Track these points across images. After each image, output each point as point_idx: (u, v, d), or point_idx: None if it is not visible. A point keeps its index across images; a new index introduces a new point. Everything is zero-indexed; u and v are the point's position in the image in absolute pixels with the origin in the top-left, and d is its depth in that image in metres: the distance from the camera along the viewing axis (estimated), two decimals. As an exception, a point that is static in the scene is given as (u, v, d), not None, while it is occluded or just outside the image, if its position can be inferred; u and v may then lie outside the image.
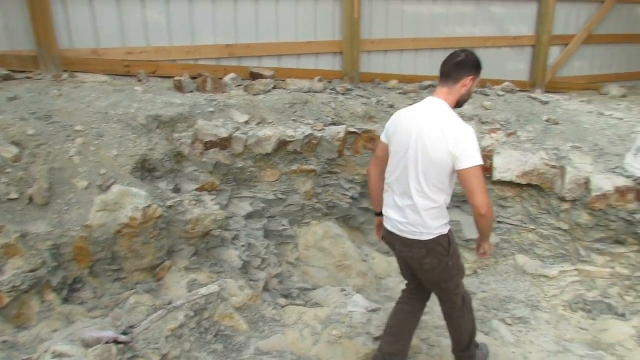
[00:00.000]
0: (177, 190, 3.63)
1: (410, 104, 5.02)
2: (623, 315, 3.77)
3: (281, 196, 4.28)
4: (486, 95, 5.56)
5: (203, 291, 3.02)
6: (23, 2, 4.14)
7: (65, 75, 4.30)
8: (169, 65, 4.85)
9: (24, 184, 2.95)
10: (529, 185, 4.36)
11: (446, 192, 2.56)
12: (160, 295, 3.08)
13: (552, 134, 4.74)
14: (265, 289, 3.59)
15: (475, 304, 3.25)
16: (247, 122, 4.14)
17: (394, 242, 2.72)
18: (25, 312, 2.71)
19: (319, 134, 4.26)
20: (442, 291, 2.82)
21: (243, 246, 3.67)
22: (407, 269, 2.91)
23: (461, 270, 2.81)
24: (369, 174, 2.93)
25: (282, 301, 3.49)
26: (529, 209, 4.44)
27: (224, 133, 3.93)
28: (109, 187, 3.06)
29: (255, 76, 4.96)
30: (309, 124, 4.33)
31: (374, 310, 3.42)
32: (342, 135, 4.33)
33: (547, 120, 4.97)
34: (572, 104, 5.58)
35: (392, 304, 3.81)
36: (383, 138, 2.78)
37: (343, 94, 4.96)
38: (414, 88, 5.53)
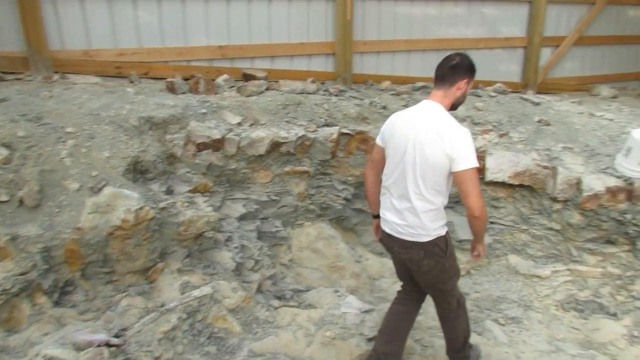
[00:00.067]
0: (169, 191, 3.62)
1: (403, 105, 5.07)
2: (614, 315, 3.80)
3: (274, 197, 4.28)
4: (478, 96, 5.59)
5: (196, 293, 3.00)
6: (13, 2, 4.11)
7: (56, 77, 4.27)
8: (161, 66, 4.83)
9: (14, 186, 2.93)
10: (521, 186, 4.38)
11: (443, 194, 2.58)
12: (152, 297, 3.06)
13: (543, 134, 4.78)
14: (259, 290, 3.58)
15: (468, 304, 3.26)
16: (239, 124, 4.14)
17: (392, 244, 2.72)
18: (15, 315, 2.68)
19: (312, 135, 4.25)
20: (438, 292, 2.83)
21: (236, 248, 3.65)
22: (404, 271, 2.92)
23: (457, 272, 2.83)
24: (365, 177, 2.94)
25: (276, 303, 3.48)
26: (521, 209, 4.47)
27: (216, 134, 3.92)
28: (100, 189, 3.04)
29: (247, 77, 4.95)
30: (301, 125, 4.33)
31: (367, 311, 3.42)
32: (335, 136, 4.33)
33: (539, 121, 5.00)
34: (563, 105, 5.62)
35: (386, 305, 3.81)
36: (379, 141, 2.79)
37: (336, 95, 4.96)
38: (407, 89, 5.54)
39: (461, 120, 4.76)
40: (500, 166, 4.38)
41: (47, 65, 4.30)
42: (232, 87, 4.78)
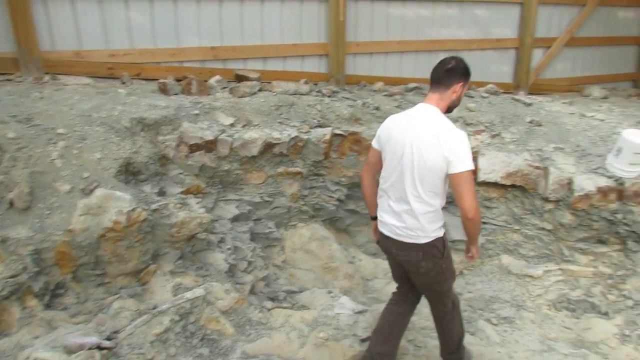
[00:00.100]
0: (161, 193, 3.60)
1: (396, 106, 5.08)
2: (606, 314, 3.83)
3: (267, 198, 4.27)
4: (470, 97, 5.61)
5: (188, 295, 2.99)
6: (2, 2, 4.08)
7: (47, 78, 4.24)
8: (153, 67, 4.80)
9: (4, 188, 2.90)
10: (513, 186, 4.40)
11: (441, 195, 2.60)
12: (144, 299, 3.04)
13: (535, 135, 4.80)
14: (252, 292, 3.57)
15: (461, 305, 3.27)
16: (232, 125, 4.13)
17: (391, 246, 2.74)
18: (5, 318, 2.66)
19: (305, 136, 4.25)
20: (434, 293, 2.84)
21: (229, 249, 3.64)
22: (400, 273, 2.93)
23: (453, 273, 2.85)
24: (362, 180, 2.95)
25: (269, 304, 3.47)
26: (514, 209, 4.49)
27: (209, 135, 3.91)
28: (92, 191, 3.02)
29: (240, 78, 4.94)
30: (294, 126, 4.32)
31: (360, 312, 3.42)
32: (328, 137, 4.33)
33: (531, 122, 5.03)
34: (554, 106, 5.66)
35: (379, 306, 3.82)
36: (375, 144, 2.80)
37: (329, 96, 4.96)
38: (399, 90, 5.56)
39: (454, 121, 4.76)
40: (493, 167, 4.40)
41: (37, 66, 4.27)
42: (225, 88, 4.77)
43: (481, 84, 6.17)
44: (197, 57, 5.01)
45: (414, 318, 3.49)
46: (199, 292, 3.03)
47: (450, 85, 2.56)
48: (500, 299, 4.08)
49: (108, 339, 2.55)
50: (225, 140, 3.94)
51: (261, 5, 5.17)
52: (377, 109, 4.86)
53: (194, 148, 3.86)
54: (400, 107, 5.07)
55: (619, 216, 4.02)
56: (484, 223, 4.55)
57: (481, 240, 4.52)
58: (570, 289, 4.06)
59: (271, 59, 5.41)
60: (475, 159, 4.46)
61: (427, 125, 2.51)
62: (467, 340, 3.29)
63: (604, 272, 4.07)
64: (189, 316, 2.92)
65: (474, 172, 4.40)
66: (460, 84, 2.58)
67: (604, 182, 4.06)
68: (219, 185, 4.07)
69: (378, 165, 2.79)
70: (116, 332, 2.63)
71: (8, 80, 4.16)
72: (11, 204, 2.88)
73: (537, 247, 4.39)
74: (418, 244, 2.61)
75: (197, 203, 3.52)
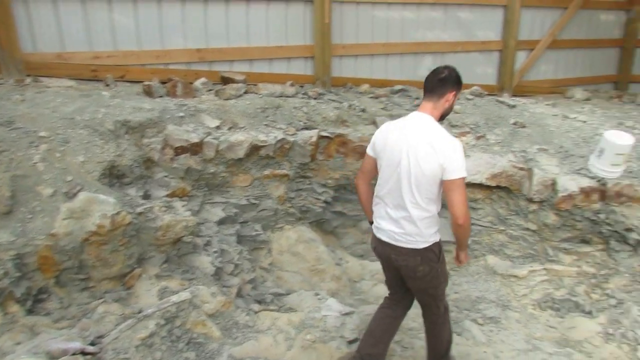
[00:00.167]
0: (146, 196, 3.56)
1: (382, 108, 5.11)
2: (590, 313, 3.87)
3: (254, 201, 4.25)
4: (456, 99, 5.64)
5: (174, 298, 2.96)
6: (-17, 4, 4.02)
7: (29, 80, 4.18)
8: (138, 69, 4.76)
9: (-15, 192, 2.85)
10: (498, 187, 4.44)
11: (436, 201, 2.67)
12: (130, 303, 3.01)
13: (519, 136, 4.85)
14: (239, 294, 3.56)
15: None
16: (218, 127, 4.11)
17: (389, 252, 2.77)
18: (-14, 325, 2.61)
19: (291, 139, 4.25)
20: (429, 297, 2.89)
21: (215, 252, 3.62)
22: (395, 279, 2.96)
23: (446, 276, 2.91)
24: (357, 188, 3.00)
25: (256, 307, 3.46)
26: (499, 210, 4.53)
27: (194, 138, 3.88)
28: (75, 194, 2.98)
29: (226, 80, 4.92)
30: (281, 129, 4.32)
31: (347, 314, 3.42)
32: (314, 139, 4.33)
33: (515, 123, 5.08)
34: (538, 107, 5.73)
35: (366, 307, 3.83)
36: (370, 152, 2.84)
37: (315, 98, 4.96)
38: (385, 92, 5.58)
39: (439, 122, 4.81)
40: (478, 168, 4.44)
41: (19, 68, 4.21)
42: (211, 90, 4.75)
43: (466, 86, 6.17)
44: (183, 59, 4.98)
45: (400, 319, 3.50)
46: (185, 295, 3.01)
47: (443, 94, 2.63)
48: (486, 299, 4.11)
49: (92, 344, 2.52)
50: (211, 142, 3.92)
51: (247, 7, 5.16)
52: (363, 110, 4.88)
53: (180, 151, 3.84)
54: (386, 109, 5.09)
55: (602, 216, 4.08)
56: (470, 224, 4.57)
57: (467, 241, 4.55)
58: (555, 289, 4.11)
59: (257, 61, 5.40)
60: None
61: (422, 133, 2.57)
62: (454, 340, 3.31)
63: (588, 271, 4.12)
64: (174, 320, 2.90)
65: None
66: (453, 93, 2.66)
67: (586, 182, 4.12)
68: (205, 188, 4.04)
69: (373, 173, 2.85)
70: (100, 337, 2.60)
71: (-11, 82, 4.10)
72: (-8, 208, 2.83)
73: (522, 248, 4.43)
74: (417, 249, 2.67)
75: (183, 206, 3.50)
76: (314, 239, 4.49)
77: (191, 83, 4.66)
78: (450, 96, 2.64)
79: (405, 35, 6.20)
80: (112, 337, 2.60)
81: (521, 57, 7.07)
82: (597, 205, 4.10)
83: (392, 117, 4.91)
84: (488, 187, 4.47)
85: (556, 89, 7.34)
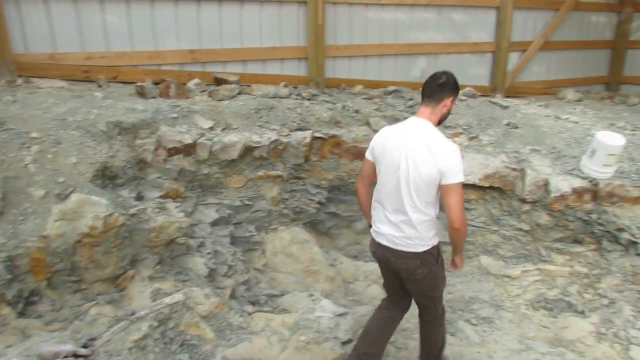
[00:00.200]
0: (139, 197, 3.55)
1: (375, 109, 5.11)
2: (582, 313, 3.89)
3: (247, 202, 4.24)
4: (449, 100, 5.66)
5: (167, 300, 2.95)
6: (-27, 4, 3.99)
7: (20, 81, 4.15)
8: (131, 70, 4.75)
9: (-24, 193, 2.83)
10: (491, 188, 4.46)
11: (434, 205, 2.69)
12: (122, 305, 2.99)
13: (512, 137, 4.88)
14: (232, 296, 3.54)
15: (441, 306, 3.30)
16: (211, 128, 4.09)
17: (389, 256, 2.79)
18: (-23, 327, 2.59)
19: (285, 140, 4.24)
20: (428, 299, 2.91)
21: (209, 253, 3.61)
22: (394, 282, 2.97)
23: (444, 278, 2.93)
24: (357, 192, 3.02)
25: (249, 308, 3.45)
26: (492, 210, 4.54)
27: (188, 139, 3.87)
28: (67, 196, 2.96)
29: (219, 81, 4.91)
30: (274, 130, 4.31)
31: (341, 315, 3.42)
32: (308, 140, 4.33)
33: (507, 124, 5.10)
34: (530, 108, 5.76)
35: (360, 308, 3.83)
36: (369, 156, 2.86)
37: (308, 99, 4.96)
38: (379, 93, 5.59)
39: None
40: (471, 169, 4.45)
41: (10, 69, 4.18)
42: (204, 91, 4.73)
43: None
44: (176, 60, 4.97)
45: (394, 320, 3.50)
46: (178, 297, 3.00)
47: (441, 99, 2.66)
48: (480, 299, 4.12)
49: (84, 346, 2.50)
50: (204, 143, 3.91)
51: (240, 8, 5.15)
52: (356, 111, 4.88)
53: (173, 152, 3.82)
54: (379, 110, 5.10)
55: (594, 216, 4.10)
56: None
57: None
58: (548, 289, 4.13)
59: (251, 62, 5.40)
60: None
61: (421, 138, 2.59)
62: (448, 341, 3.32)
63: (580, 271, 4.15)
64: (168, 322, 2.88)
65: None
66: (451, 98, 2.69)
67: (578, 183, 4.15)
68: (199, 189, 4.03)
69: (372, 177, 2.87)
70: (93, 339, 2.58)
71: (-21, 83, 4.07)
72: (-17, 210, 2.80)
73: (515, 248, 4.45)
74: (416, 252, 2.69)
75: (176, 207, 3.48)
76: (308, 240, 4.48)
77: (184, 84, 4.65)
78: (448, 101, 2.68)
79: (399, 37, 6.22)
80: (105, 340, 2.59)
81: (513, 59, 7.11)
82: (589, 206, 4.13)
83: (386, 117, 4.92)
84: (481, 188, 4.49)
85: (548, 90, 7.39)
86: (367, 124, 4.81)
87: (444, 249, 3.08)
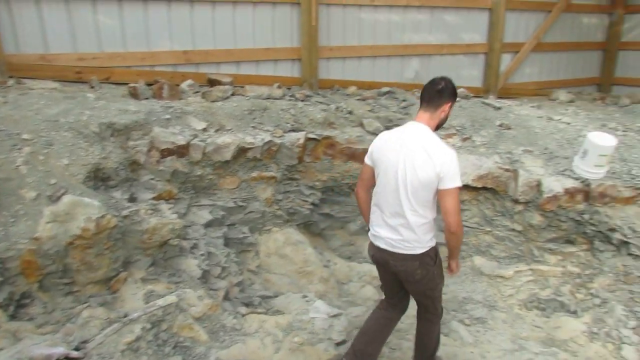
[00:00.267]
0: (132, 199, 3.53)
1: (369, 110, 5.12)
2: (575, 312, 3.91)
3: (241, 203, 4.23)
4: (442, 101, 5.67)
5: (160, 302, 2.93)
6: (-36, 4, 3.96)
7: (11, 82, 4.12)
8: (123, 71, 4.73)
9: (-34, 195, 2.80)
10: (484, 188, 4.48)
11: (432, 208, 2.72)
12: (115, 307, 2.98)
13: (504, 138, 4.90)
14: (226, 297, 3.53)
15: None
16: (205, 129, 4.08)
17: (387, 258, 2.80)
18: (-32, 331, 2.56)
19: (279, 141, 4.24)
20: (427, 299, 2.93)
21: (202, 255, 3.59)
22: (393, 284, 2.98)
23: (443, 278, 2.96)
24: (357, 196, 3.03)
25: (243, 309, 3.44)
26: (485, 211, 4.56)
27: (181, 140, 3.86)
28: (59, 198, 2.94)
29: (213, 82, 4.90)
30: (268, 131, 4.31)
31: (335, 316, 3.41)
32: (301, 141, 4.33)
33: (500, 125, 5.12)
34: (523, 109, 5.78)
35: (354, 309, 3.83)
36: (368, 161, 2.88)
37: (302, 100, 4.96)
38: (372, 94, 5.60)
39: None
40: (464, 169, 4.47)
41: (1, 69, 4.15)
42: (197, 92, 4.72)
43: (452, 88, 6.26)
44: (169, 61, 4.96)
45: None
46: (171, 299, 2.98)
47: (440, 105, 2.69)
48: (473, 299, 4.13)
49: (76, 349, 2.48)
50: (197, 145, 3.90)
51: (233, 9, 5.15)
52: (350, 113, 4.88)
53: (166, 153, 3.81)
54: (373, 111, 5.11)
55: (586, 216, 4.13)
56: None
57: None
58: (540, 289, 4.15)
59: (244, 63, 5.39)
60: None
61: (419, 143, 2.61)
62: (441, 341, 3.32)
63: (573, 271, 4.17)
64: (161, 324, 2.87)
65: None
66: (449, 104, 2.72)
67: (571, 183, 4.17)
68: (192, 191, 4.01)
69: (372, 181, 2.89)
70: (85, 342, 2.56)
71: (-30, 84, 4.03)
72: (-27, 212, 2.78)
73: (508, 248, 4.47)
74: (415, 255, 2.71)
75: (169, 209, 3.47)
76: (302, 241, 4.48)
77: (177, 85, 4.63)
78: (446, 107, 2.71)
79: (392, 38, 6.23)
80: (97, 342, 2.57)
81: (506, 60, 7.14)
82: (581, 206, 4.15)
83: (379, 119, 4.93)
84: (474, 189, 4.50)
85: (541, 91, 7.44)
86: (361, 125, 4.82)
87: (440, 250, 3.09)
